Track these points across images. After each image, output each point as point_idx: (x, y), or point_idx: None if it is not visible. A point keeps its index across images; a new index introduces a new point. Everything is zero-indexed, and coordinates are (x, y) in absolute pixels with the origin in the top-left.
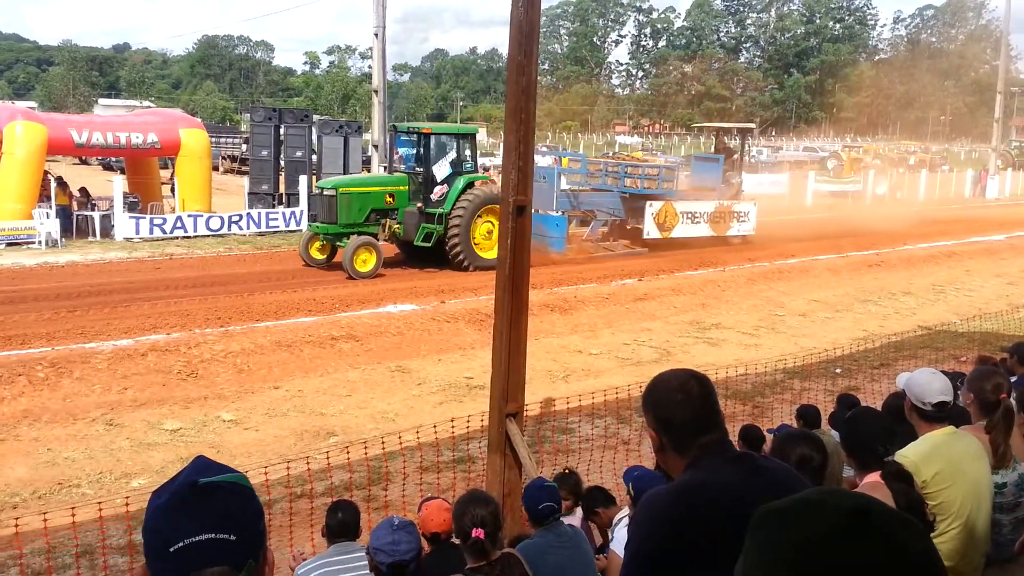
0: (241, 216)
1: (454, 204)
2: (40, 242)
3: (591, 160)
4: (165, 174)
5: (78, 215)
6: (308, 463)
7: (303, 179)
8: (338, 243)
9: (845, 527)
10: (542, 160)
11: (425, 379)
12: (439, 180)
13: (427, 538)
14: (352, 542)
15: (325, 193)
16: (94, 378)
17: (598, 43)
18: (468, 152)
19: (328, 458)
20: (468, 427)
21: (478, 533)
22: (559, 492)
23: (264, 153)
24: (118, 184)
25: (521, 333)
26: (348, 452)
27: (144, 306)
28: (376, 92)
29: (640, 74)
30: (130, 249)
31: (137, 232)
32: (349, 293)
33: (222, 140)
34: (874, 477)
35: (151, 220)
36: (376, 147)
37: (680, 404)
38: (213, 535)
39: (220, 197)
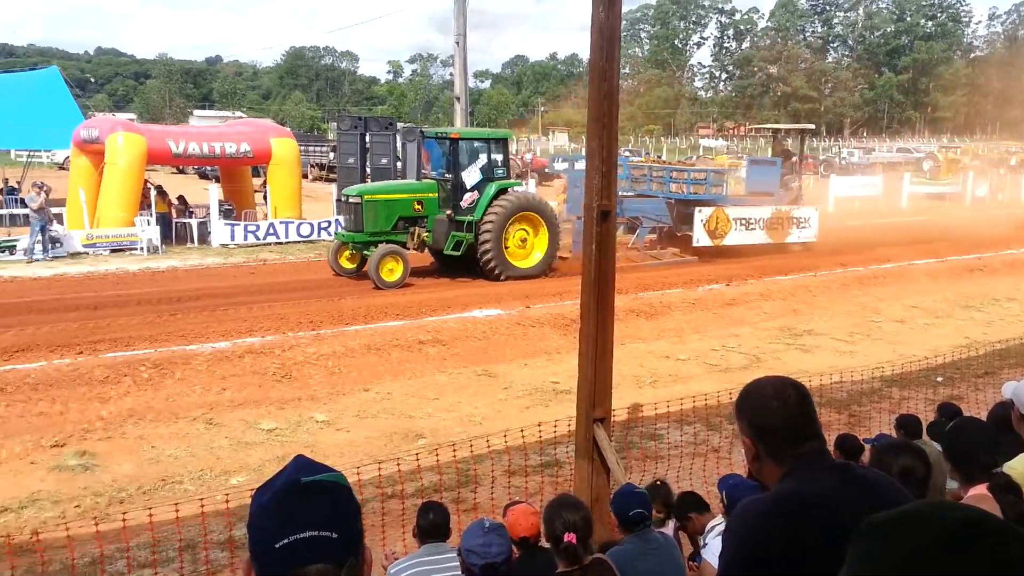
0: (330, 222)
1: (485, 211)
2: (142, 248)
3: (635, 164)
4: (257, 182)
5: (177, 222)
6: (399, 464)
7: None
8: (365, 252)
9: (955, 540)
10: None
11: (511, 383)
12: (469, 187)
13: (515, 542)
14: (443, 543)
15: (351, 200)
16: (195, 379)
17: (679, 45)
18: (500, 157)
19: (418, 460)
20: (555, 432)
21: (570, 538)
22: (649, 499)
23: (351, 160)
24: (214, 192)
25: (608, 338)
26: (437, 454)
27: (240, 310)
28: (458, 99)
29: (723, 76)
30: (226, 255)
31: (232, 238)
32: (435, 298)
33: (311, 148)
34: (980, 489)
35: (245, 227)
36: None
37: (777, 412)
38: (316, 533)
39: (309, 204)
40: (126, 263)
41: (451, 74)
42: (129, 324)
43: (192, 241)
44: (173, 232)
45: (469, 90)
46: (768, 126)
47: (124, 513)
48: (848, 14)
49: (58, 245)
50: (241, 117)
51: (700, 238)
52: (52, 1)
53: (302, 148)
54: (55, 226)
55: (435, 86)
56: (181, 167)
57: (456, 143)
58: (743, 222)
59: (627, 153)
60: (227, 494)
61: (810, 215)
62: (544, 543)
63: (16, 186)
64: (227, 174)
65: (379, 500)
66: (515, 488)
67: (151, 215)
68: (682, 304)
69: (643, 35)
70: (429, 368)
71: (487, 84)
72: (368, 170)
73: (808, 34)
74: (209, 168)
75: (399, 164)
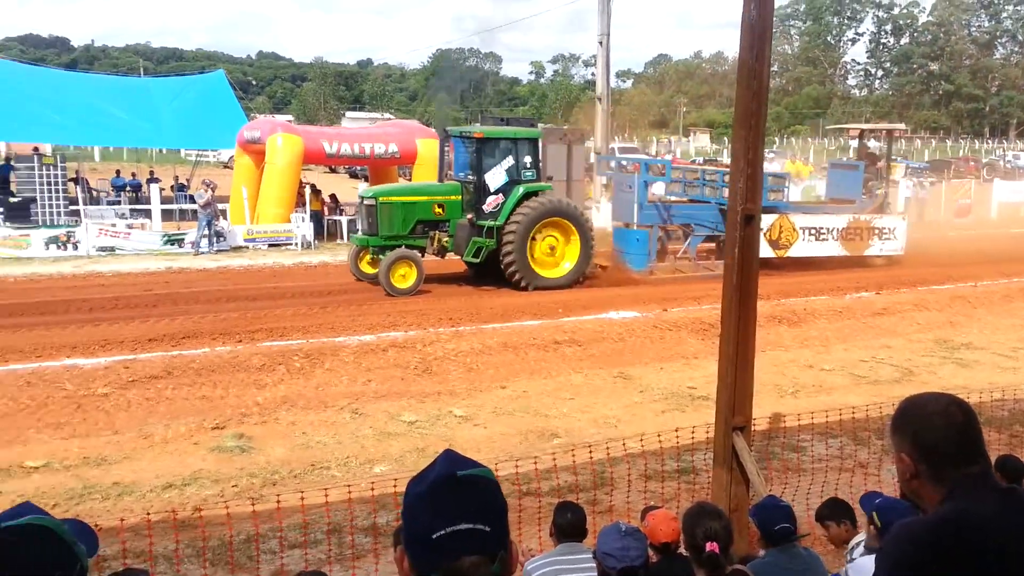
0: None
1: (509, 216)
2: (296, 244)
3: (686, 167)
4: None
5: (328, 220)
6: (535, 462)
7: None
8: (380, 256)
9: None
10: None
11: (647, 386)
12: (493, 189)
13: (656, 547)
14: (579, 543)
15: (365, 202)
16: (342, 370)
17: (832, 42)
18: (529, 159)
19: (554, 459)
20: (692, 438)
21: (712, 547)
22: (794, 513)
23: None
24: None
25: (749, 344)
26: (573, 454)
27: (385, 304)
28: (600, 99)
29: (879, 73)
30: None
31: None
32: (572, 298)
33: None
34: None
35: None
36: (599, 154)
37: (940, 431)
38: (472, 525)
39: None
40: (282, 258)
41: (593, 74)
42: (284, 315)
43: (342, 238)
44: (325, 229)
45: (611, 90)
46: (851, 126)
47: (278, 495)
48: (1018, 8)
49: (222, 239)
50: (389, 119)
51: (760, 248)
52: (219, 8)
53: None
54: (220, 221)
55: (576, 87)
56: (333, 167)
57: (480, 143)
58: (813, 232)
59: (771, 154)
60: (372, 482)
61: (895, 225)
62: (682, 550)
63: (185, 183)
64: (375, 174)
65: (515, 497)
66: (651, 493)
67: (305, 212)
68: (827, 312)
69: (793, 32)
70: (565, 368)
71: (629, 84)
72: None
73: (973, 29)
74: (359, 168)
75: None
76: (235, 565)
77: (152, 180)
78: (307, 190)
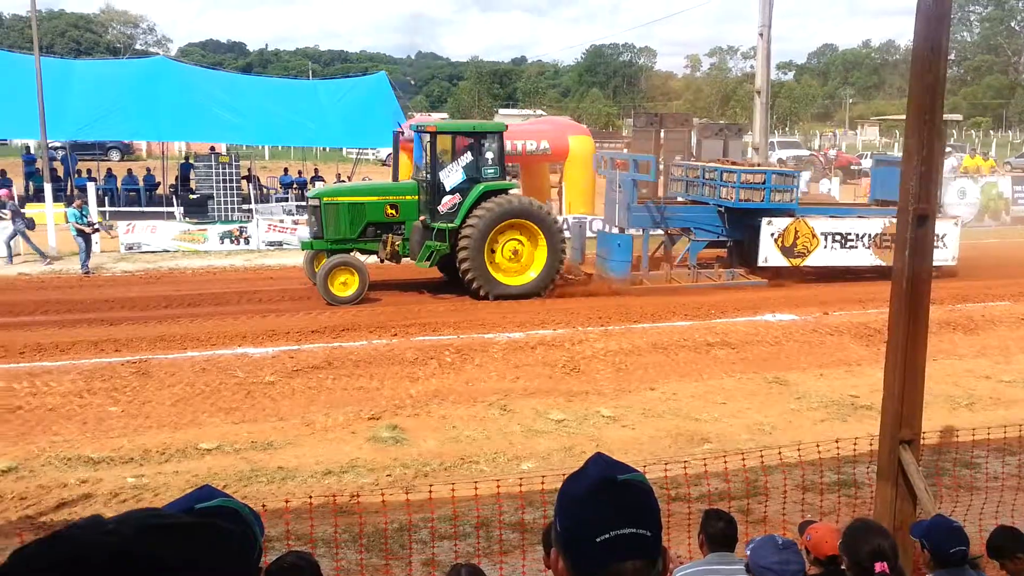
0: None
1: (465, 218)
2: None
3: (688, 165)
4: (554, 179)
5: None
6: (685, 467)
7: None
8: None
9: None
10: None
11: (805, 393)
12: (449, 189)
13: (819, 561)
14: (730, 553)
15: (310, 202)
16: (491, 366)
17: (1017, 28)
18: (491, 155)
19: (705, 465)
20: (855, 449)
21: (882, 567)
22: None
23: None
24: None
25: (919, 352)
26: (725, 461)
27: (535, 303)
28: (758, 93)
29: None
30: None
31: None
32: (724, 299)
33: (605, 145)
34: None
35: None
36: (756, 150)
37: None
38: (634, 530)
39: (602, 201)
40: None
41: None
42: (436, 311)
43: None
44: None
45: (770, 83)
46: (889, 117)
47: (430, 486)
48: None
49: None
50: (541, 115)
51: (769, 256)
52: (382, 11)
53: (597, 145)
54: None
55: (732, 80)
56: None
57: (435, 137)
58: (838, 238)
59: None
60: (519, 479)
61: (945, 231)
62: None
63: (347, 180)
64: (526, 170)
65: (664, 501)
66: (808, 506)
67: None
68: (1009, 318)
69: (973, 18)
70: (716, 371)
71: (790, 76)
72: (661, 166)
73: None
74: (510, 165)
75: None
76: (389, 553)
77: (316, 178)
78: None
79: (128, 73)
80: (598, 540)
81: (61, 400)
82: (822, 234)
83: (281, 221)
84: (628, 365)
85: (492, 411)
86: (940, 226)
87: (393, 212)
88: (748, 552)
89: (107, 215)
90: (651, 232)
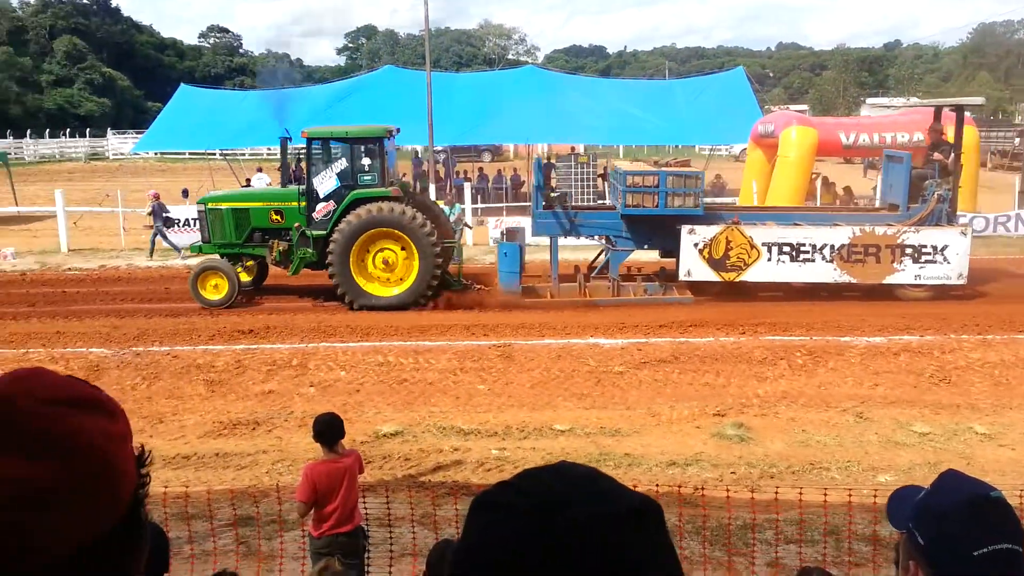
0: (1008, 217)
1: (334, 226)
2: None
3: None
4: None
5: None
6: None
7: None
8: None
9: None
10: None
11: None
12: (322, 196)
13: None
14: None
15: (197, 207)
16: (846, 370)
17: None
18: (368, 161)
19: None
20: None
21: None
22: None
23: None
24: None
25: None
26: None
27: (900, 306)
28: None
29: None
30: None
31: None
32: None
33: (992, 134)
34: None
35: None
36: None
37: None
38: (1011, 545)
39: (987, 195)
40: None
41: None
42: (786, 310)
43: None
44: None
45: None
46: (918, 102)
47: (776, 488)
48: None
49: None
50: (916, 103)
51: (693, 269)
52: (741, 3)
53: (982, 134)
54: None
55: None
56: (848, 158)
57: (309, 143)
58: (788, 249)
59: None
60: (875, 490)
61: (948, 242)
62: None
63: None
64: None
65: None
66: None
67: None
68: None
69: None
70: None
71: None
72: None
73: None
74: (875, 159)
75: None
76: (731, 548)
77: None
78: (818, 182)
79: (501, 82)
80: (975, 554)
81: (438, 376)
82: (764, 244)
83: None
84: (1011, 379)
85: (846, 418)
86: (940, 236)
87: (279, 218)
88: None
89: (478, 211)
90: (559, 239)
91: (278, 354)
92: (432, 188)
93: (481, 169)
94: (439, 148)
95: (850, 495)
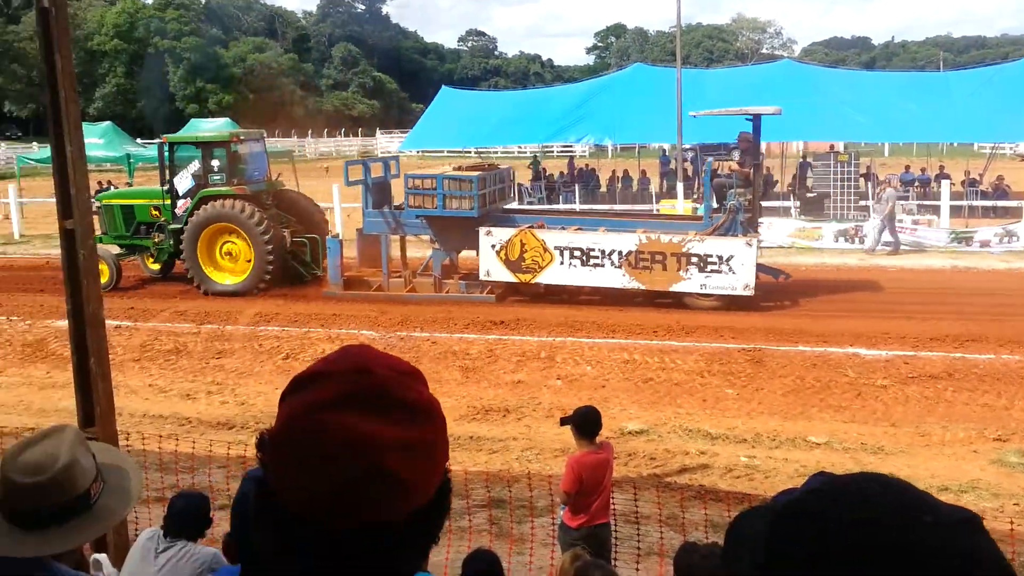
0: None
1: (186, 221)
2: None
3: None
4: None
5: None
6: None
7: None
8: (131, 256)
9: None
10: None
11: None
12: (181, 194)
13: None
14: None
15: (95, 202)
16: None
17: None
18: (217, 163)
19: None
20: None
21: None
22: None
23: None
24: None
25: None
26: None
27: None
28: None
29: None
30: None
31: None
32: None
33: None
34: None
35: None
36: None
37: None
38: None
39: None
40: None
41: None
42: None
43: None
44: None
45: None
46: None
47: None
48: None
49: (1015, 238)
50: None
51: (492, 269)
52: None
53: None
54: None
55: None
56: None
57: (170, 147)
58: (578, 253)
59: None
60: None
61: (734, 252)
62: None
63: (977, 179)
64: None
65: None
66: None
67: None
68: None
69: None
70: None
71: None
72: None
73: None
74: None
75: None
76: None
77: (941, 176)
78: None
79: (754, 77)
80: None
81: (685, 377)
82: (556, 248)
83: (900, 220)
84: None
85: None
86: (725, 246)
87: (156, 213)
88: None
89: None
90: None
91: (527, 345)
92: (680, 187)
93: (730, 167)
94: (687, 146)
95: None
